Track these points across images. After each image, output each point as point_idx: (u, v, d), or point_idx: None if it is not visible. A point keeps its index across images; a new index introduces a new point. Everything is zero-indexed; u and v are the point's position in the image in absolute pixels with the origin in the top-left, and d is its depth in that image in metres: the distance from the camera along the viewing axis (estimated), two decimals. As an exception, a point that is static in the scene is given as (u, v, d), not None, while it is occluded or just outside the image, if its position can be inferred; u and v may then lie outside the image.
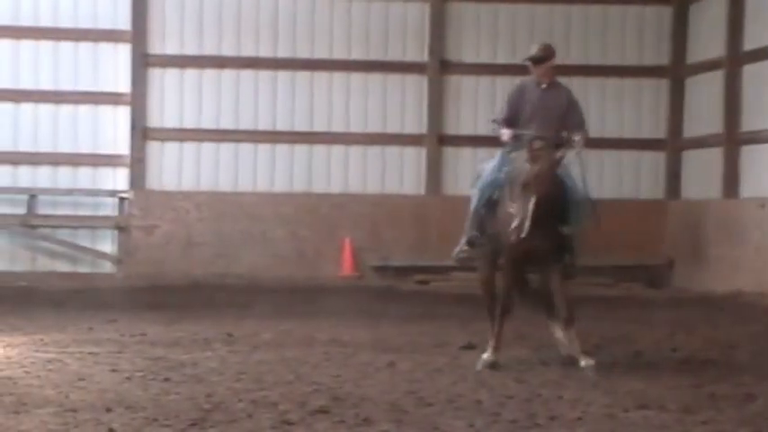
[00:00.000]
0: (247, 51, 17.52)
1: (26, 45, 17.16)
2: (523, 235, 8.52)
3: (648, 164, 18.01)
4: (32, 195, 17.08)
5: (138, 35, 17.25)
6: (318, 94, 17.63)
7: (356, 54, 17.68)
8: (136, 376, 8.41)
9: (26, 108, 17.18)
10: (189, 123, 17.52)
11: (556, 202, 8.70)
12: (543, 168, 8.65)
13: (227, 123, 17.54)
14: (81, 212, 17.21)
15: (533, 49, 9.31)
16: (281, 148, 17.60)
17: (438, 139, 17.72)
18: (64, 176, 17.24)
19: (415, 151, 17.78)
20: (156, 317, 12.36)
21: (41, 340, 10.30)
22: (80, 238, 17.16)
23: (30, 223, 17.05)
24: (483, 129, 17.92)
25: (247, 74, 17.54)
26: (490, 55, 17.74)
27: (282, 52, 17.57)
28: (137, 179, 17.29)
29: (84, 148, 17.26)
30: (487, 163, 9.54)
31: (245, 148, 17.56)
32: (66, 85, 17.19)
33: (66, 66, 17.21)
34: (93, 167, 17.32)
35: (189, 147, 17.53)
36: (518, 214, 8.58)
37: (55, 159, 17.21)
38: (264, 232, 17.37)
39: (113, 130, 17.34)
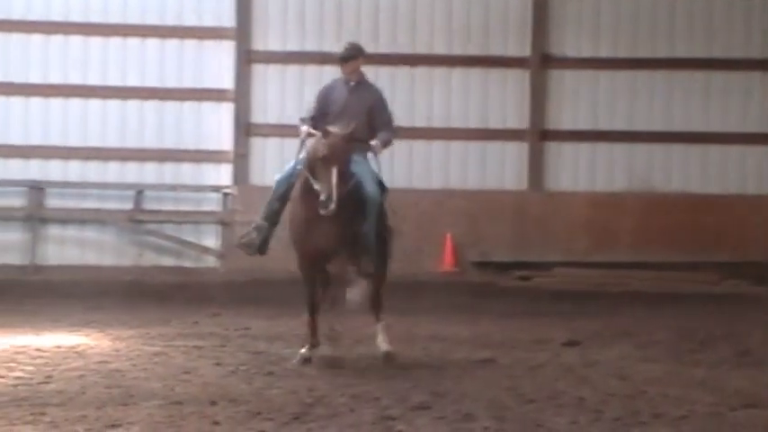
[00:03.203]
0: (348, 47, 17.56)
1: (133, 43, 17.46)
2: (332, 206, 8.51)
3: (756, 158, 17.62)
4: (139, 191, 17.36)
5: (241, 32, 17.44)
6: (419, 90, 17.60)
7: (457, 49, 17.63)
8: (239, 370, 8.52)
9: (133, 105, 17.47)
10: (291, 119, 17.63)
11: (349, 200, 8.71)
12: (336, 139, 8.75)
13: (327, 119, 17.61)
14: (185, 208, 17.45)
15: (342, 48, 9.43)
16: (382, 144, 17.59)
17: (540, 135, 17.58)
18: (169, 172, 17.50)
19: (516, 146, 17.66)
20: (259, 311, 12.50)
21: (147, 334, 10.49)
22: (184, 233, 17.40)
23: (136, 218, 17.35)
24: (584, 123, 17.83)
25: (349, 70, 17.58)
26: (592, 49, 17.55)
27: (383, 47, 17.58)
28: (240, 175, 17.47)
29: (189, 144, 17.50)
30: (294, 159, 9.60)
31: (346, 143, 17.60)
32: (171, 82, 17.44)
33: (172, 63, 17.46)
34: (197, 163, 17.55)
35: (290, 143, 17.60)
36: (323, 189, 8.62)
37: (160, 155, 17.48)
38: (365, 227, 17.39)
39: (217, 126, 17.55)
